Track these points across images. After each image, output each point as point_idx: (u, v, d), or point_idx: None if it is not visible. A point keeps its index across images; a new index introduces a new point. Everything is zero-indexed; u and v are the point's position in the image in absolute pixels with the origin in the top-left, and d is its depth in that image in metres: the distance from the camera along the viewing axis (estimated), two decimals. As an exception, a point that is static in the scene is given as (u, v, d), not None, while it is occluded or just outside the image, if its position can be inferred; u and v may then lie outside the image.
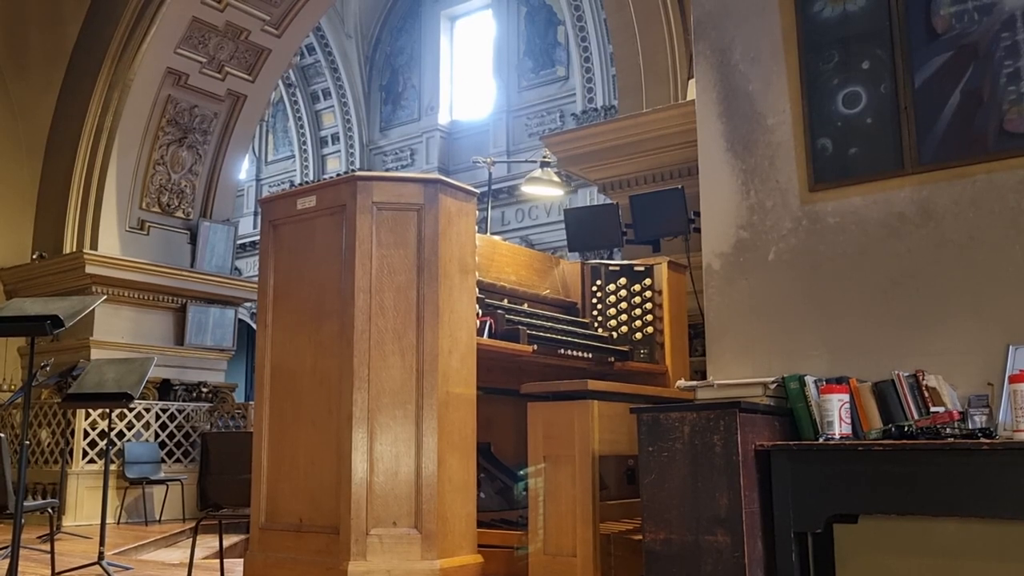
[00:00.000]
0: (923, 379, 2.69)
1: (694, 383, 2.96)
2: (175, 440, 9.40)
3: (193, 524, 5.52)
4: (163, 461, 9.15)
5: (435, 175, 3.92)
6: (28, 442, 4.32)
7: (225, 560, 4.87)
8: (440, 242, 3.27)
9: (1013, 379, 2.49)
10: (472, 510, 3.29)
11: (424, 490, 3.10)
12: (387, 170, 16.13)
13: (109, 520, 6.07)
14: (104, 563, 4.83)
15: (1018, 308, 2.74)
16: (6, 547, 4.87)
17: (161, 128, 9.77)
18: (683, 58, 6.45)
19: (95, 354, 8.68)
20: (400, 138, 16.63)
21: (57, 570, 4.71)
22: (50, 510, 4.84)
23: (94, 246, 9.27)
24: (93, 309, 4.51)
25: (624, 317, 4.18)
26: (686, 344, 4.35)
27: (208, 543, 6.29)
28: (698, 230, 3.73)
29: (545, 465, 3.17)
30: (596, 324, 4.21)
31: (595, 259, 5.61)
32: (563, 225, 5.84)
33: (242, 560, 3.49)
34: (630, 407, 2.86)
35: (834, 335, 3.04)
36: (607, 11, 7.52)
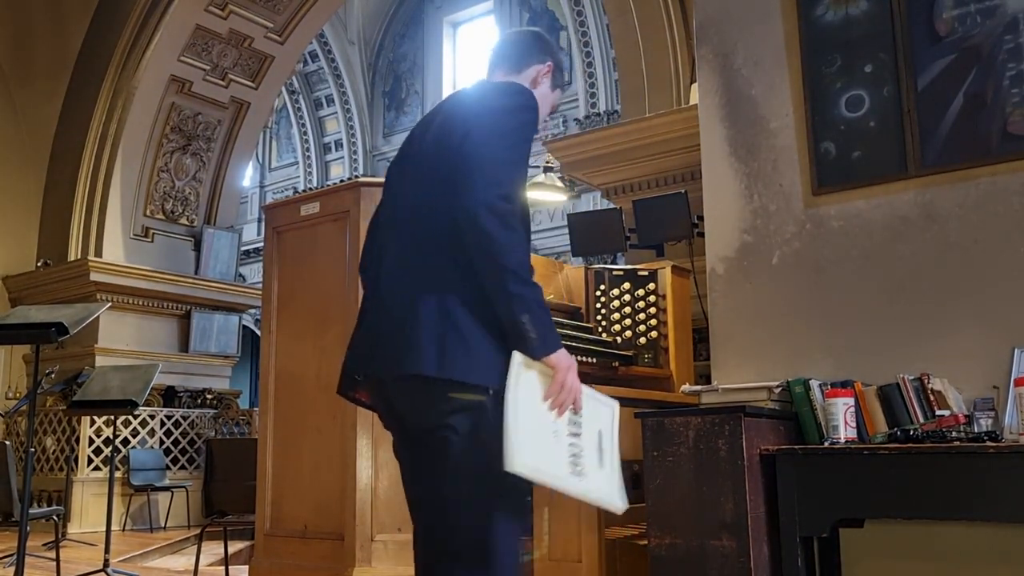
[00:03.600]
0: (928, 382, 2.68)
1: (698, 387, 2.96)
2: (180, 447, 9.41)
3: (198, 531, 5.52)
4: (168, 468, 9.16)
5: (438, 181, 3.91)
6: (33, 449, 4.32)
7: (230, 567, 4.87)
8: (444, 248, 3.26)
9: (1019, 382, 2.48)
10: (477, 516, 3.28)
11: (429, 496, 3.10)
12: (390, 176, 16.13)
13: (114, 527, 6.07)
14: (109, 570, 4.83)
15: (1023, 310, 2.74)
16: (12, 554, 4.87)
17: (165, 135, 9.80)
18: (685, 63, 6.46)
19: (100, 361, 8.70)
20: (403, 144, 16.64)
21: (62, 577, 4.72)
22: (55, 517, 4.85)
23: (98, 253, 9.29)
24: (98, 316, 4.52)
25: (628, 322, 4.17)
26: (690, 348, 4.34)
27: (213, 550, 6.28)
28: (702, 234, 3.72)
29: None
30: (600, 329, 4.21)
31: (599, 264, 5.61)
32: (566, 230, 5.84)
33: (247, 567, 3.49)
34: (635, 412, 2.85)
35: (838, 339, 3.03)
36: (609, 16, 7.53)
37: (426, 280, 1.78)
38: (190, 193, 10.12)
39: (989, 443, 2.36)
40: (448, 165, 1.78)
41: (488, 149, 1.77)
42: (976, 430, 2.47)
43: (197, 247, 10.06)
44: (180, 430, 9.45)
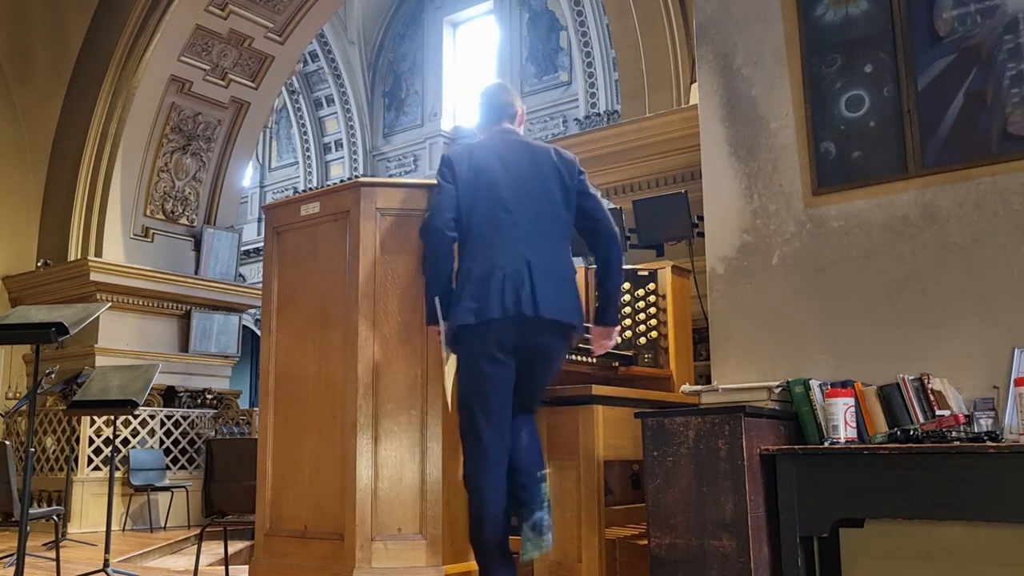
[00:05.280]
0: (928, 382, 2.69)
1: (699, 387, 2.96)
2: (180, 447, 9.41)
3: (198, 531, 5.53)
4: (168, 468, 9.16)
5: (438, 181, 3.91)
6: (33, 449, 4.32)
7: (230, 567, 4.88)
8: (444, 248, 3.27)
9: (1019, 382, 2.48)
10: (477, 516, 3.28)
11: (429, 496, 3.10)
12: (390, 176, 16.17)
13: (114, 527, 6.08)
14: (109, 570, 4.83)
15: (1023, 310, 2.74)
16: (12, 554, 4.88)
17: (165, 135, 9.80)
18: (685, 63, 6.46)
19: (100, 361, 8.70)
20: (403, 144, 16.66)
21: (62, 577, 4.72)
22: (55, 517, 4.84)
23: (99, 253, 9.29)
24: (98, 316, 4.51)
25: (628, 322, 4.17)
26: (690, 348, 4.34)
27: (213, 550, 6.29)
28: (702, 234, 3.73)
29: (550, 470, 3.17)
30: (600, 329, 4.21)
31: (599, 264, 5.59)
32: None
33: (247, 567, 3.49)
34: (635, 412, 2.86)
35: (838, 339, 3.04)
36: (609, 16, 7.53)
37: (567, 263, 3.04)
38: (190, 193, 10.12)
39: (989, 443, 2.36)
40: (568, 195, 3.07)
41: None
42: (976, 430, 2.47)
43: (197, 247, 10.06)
44: (180, 430, 9.45)
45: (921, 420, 2.62)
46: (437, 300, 2.95)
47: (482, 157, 3.04)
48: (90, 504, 8.48)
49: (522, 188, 3.00)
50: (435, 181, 3.09)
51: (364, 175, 16.36)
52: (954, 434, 2.46)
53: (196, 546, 5.23)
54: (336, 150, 17.40)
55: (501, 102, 3.22)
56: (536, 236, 2.96)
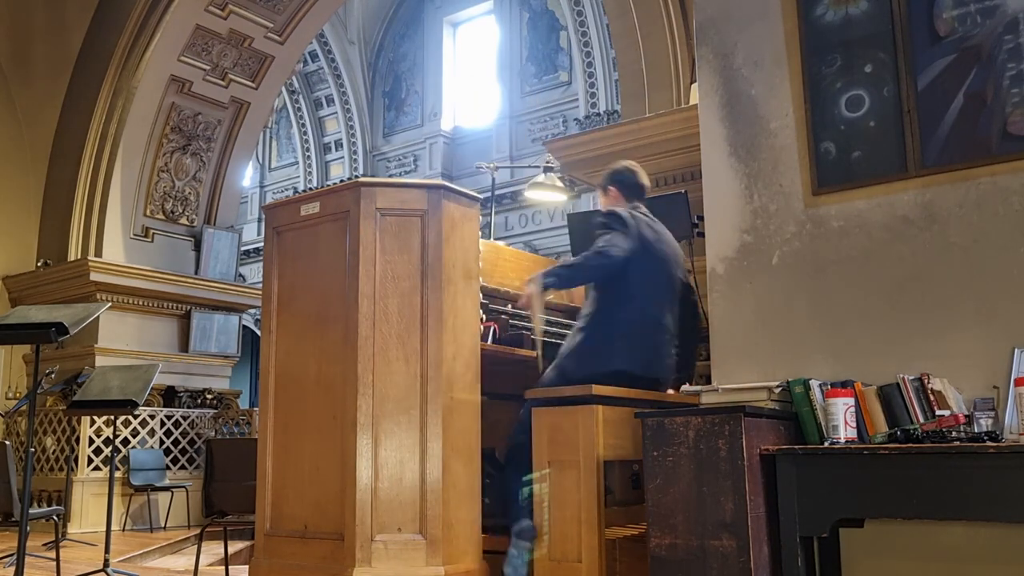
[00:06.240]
0: (928, 382, 2.68)
1: (699, 388, 2.96)
2: (180, 447, 9.41)
3: (198, 531, 5.53)
4: (168, 468, 9.16)
5: (439, 181, 3.92)
6: (33, 449, 4.32)
7: (230, 567, 4.88)
8: (444, 248, 3.27)
9: (1019, 382, 2.48)
10: (477, 516, 3.28)
11: (429, 496, 3.10)
12: (390, 176, 16.17)
13: (114, 527, 6.07)
14: (109, 570, 4.83)
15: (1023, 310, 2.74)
16: (12, 554, 4.88)
17: (165, 135, 9.80)
18: (685, 63, 6.46)
19: (100, 361, 8.70)
20: (403, 144, 16.66)
21: (62, 577, 4.72)
22: (55, 517, 4.85)
23: (99, 253, 9.29)
24: (98, 316, 4.52)
25: (628, 322, 4.16)
26: (690, 348, 4.34)
27: (213, 550, 6.29)
28: (702, 234, 3.72)
29: (550, 470, 3.17)
30: (600, 329, 4.20)
31: (599, 264, 5.58)
32: (566, 230, 5.84)
33: (247, 567, 3.49)
34: (635, 412, 2.85)
35: (839, 339, 3.03)
36: (609, 16, 7.53)
37: (674, 335, 3.62)
38: (190, 193, 10.12)
39: (989, 443, 2.36)
40: (682, 283, 3.73)
41: None
42: (976, 430, 2.47)
43: (197, 247, 10.05)
44: (180, 430, 9.45)
45: (921, 420, 2.62)
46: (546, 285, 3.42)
47: (646, 232, 3.56)
48: (90, 504, 8.48)
49: (667, 269, 3.62)
50: (437, 181, 3.19)
51: (364, 175, 16.37)
52: (954, 434, 2.46)
53: (196, 546, 5.24)
54: (336, 150, 17.41)
55: (643, 184, 3.77)
56: (667, 308, 3.59)
